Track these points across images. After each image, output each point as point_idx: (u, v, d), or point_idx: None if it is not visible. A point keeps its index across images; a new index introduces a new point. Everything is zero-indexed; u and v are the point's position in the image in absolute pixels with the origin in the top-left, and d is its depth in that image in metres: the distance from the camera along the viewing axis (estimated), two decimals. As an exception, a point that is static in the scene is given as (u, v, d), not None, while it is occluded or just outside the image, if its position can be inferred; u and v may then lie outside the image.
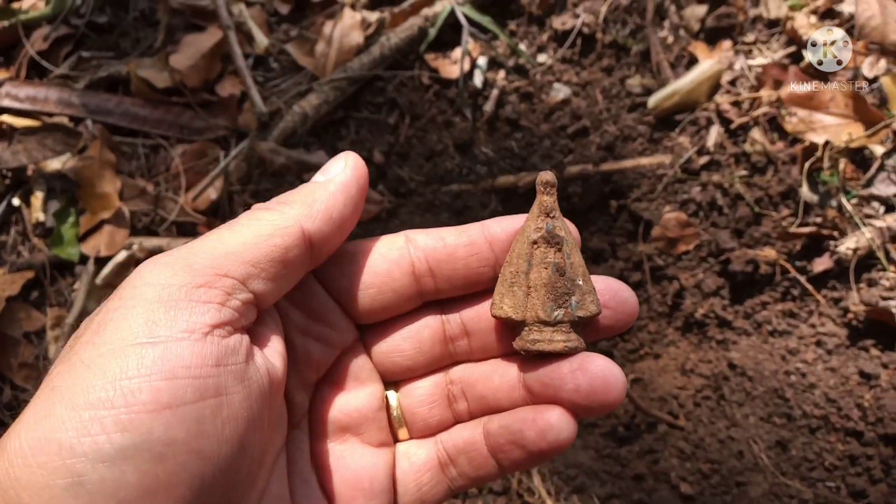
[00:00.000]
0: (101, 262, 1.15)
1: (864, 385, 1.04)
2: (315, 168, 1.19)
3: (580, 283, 0.44)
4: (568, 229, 0.45)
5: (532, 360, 0.44)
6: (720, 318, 1.13)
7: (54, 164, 1.24)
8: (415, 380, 0.48)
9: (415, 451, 0.47)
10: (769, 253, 1.11)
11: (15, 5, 1.37)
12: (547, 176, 0.45)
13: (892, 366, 1.04)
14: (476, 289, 0.47)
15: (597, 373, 0.42)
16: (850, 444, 1.01)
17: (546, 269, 0.44)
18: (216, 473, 0.36)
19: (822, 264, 1.10)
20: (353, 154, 0.45)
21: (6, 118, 1.28)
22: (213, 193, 1.19)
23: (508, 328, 0.46)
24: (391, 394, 0.48)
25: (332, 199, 0.43)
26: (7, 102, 1.29)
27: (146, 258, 1.20)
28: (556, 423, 0.42)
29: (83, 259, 1.17)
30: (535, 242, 0.44)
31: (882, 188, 1.10)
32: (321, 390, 0.47)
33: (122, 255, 1.12)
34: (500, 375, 0.46)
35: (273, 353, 0.41)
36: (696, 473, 1.06)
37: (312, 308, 0.45)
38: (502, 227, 0.46)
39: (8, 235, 1.23)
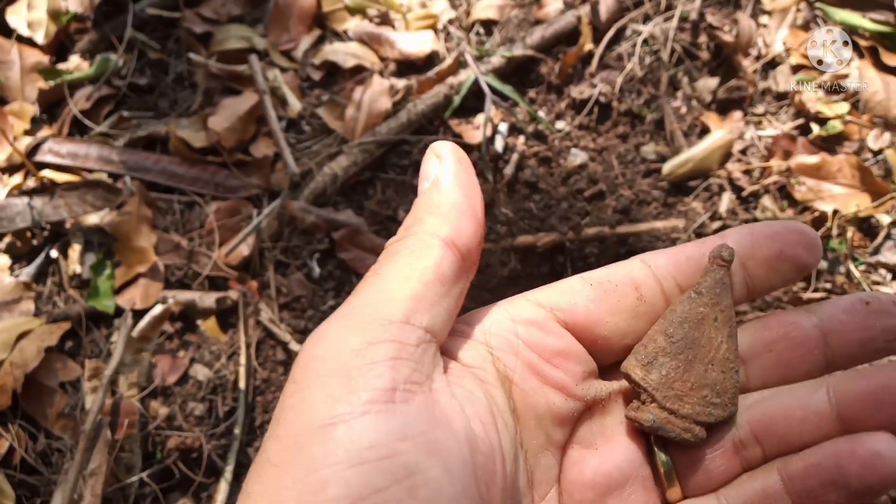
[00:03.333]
0: (137, 314, 1.19)
1: (875, 448, 1.07)
2: (344, 226, 1.25)
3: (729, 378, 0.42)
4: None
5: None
6: (734, 380, 1.16)
7: (92, 219, 1.30)
8: None
9: None
10: (781, 317, 1.15)
11: (61, 66, 1.44)
12: (724, 251, 0.41)
13: (902, 430, 1.07)
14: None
15: None
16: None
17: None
18: None
19: (832, 329, 1.14)
20: (442, 143, 0.41)
21: (48, 173, 1.34)
22: (245, 249, 1.24)
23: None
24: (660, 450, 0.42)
25: (452, 196, 0.39)
26: (50, 158, 1.36)
27: (180, 312, 1.23)
28: (884, 450, 0.36)
29: (119, 311, 1.21)
30: (701, 321, 0.42)
31: (889, 256, 1.15)
32: (571, 453, 0.41)
33: (157, 309, 1.16)
34: (802, 406, 0.39)
35: (473, 413, 0.36)
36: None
37: (550, 349, 0.40)
38: (741, 232, 0.42)
39: (44, 286, 1.28)
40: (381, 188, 1.33)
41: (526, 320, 0.40)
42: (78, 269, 1.27)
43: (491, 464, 0.35)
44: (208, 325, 1.21)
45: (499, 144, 1.33)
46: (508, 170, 1.32)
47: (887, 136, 1.24)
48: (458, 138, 1.34)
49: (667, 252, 0.42)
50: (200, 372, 1.17)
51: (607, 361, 0.43)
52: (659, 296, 0.42)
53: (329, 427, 0.31)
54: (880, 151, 1.23)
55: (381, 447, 0.31)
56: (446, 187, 0.39)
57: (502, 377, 0.39)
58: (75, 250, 1.28)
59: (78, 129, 1.41)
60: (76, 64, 1.46)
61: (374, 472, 0.31)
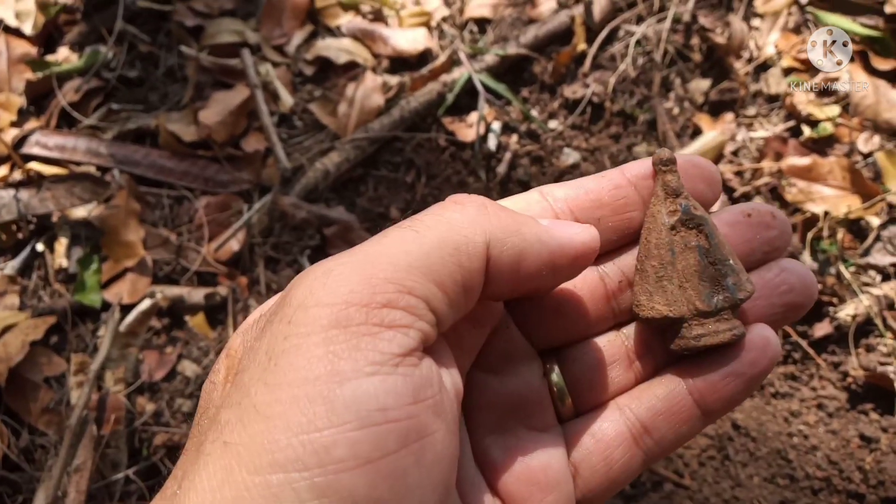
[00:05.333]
0: (124, 309, 1.18)
1: (864, 448, 1.08)
2: (335, 223, 1.24)
3: (731, 262, 0.40)
4: (700, 206, 0.42)
5: (690, 357, 0.41)
6: (724, 379, 1.17)
7: (79, 212, 1.28)
8: (576, 345, 0.43)
9: (598, 425, 0.41)
10: (772, 317, 1.15)
11: (49, 58, 1.42)
12: (665, 153, 0.41)
13: (891, 430, 1.08)
14: (626, 237, 0.42)
15: (798, 277, 0.41)
16: (853, 507, 1.04)
17: (693, 253, 0.41)
18: None
19: (822, 329, 1.14)
20: (595, 231, 0.39)
21: (35, 165, 1.32)
22: (235, 245, 1.23)
23: (657, 331, 0.43)
24: (551, 367, 0.42)
25: (538, 246, 0.36)
26: (37, 150, 1.34)
27: (169, 307, 1.20)
28: (772, 336, 0.40)
29: (105, 306, 1.20)
30: (673, 228, 0.41)
31: (878, 258, 1.15)
32: (474, 377, 0.41)
33: (145, 304, 1.15)
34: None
35: (452, 367, 0.35)
36: (702, 533, 1.08)
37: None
38: (643, 165, 0.42)
39: (30, 280, 1.26)
40: (373, 185, 1.32)
41: None
42: (64, 262, 1.25)
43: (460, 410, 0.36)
44: (196, 321, 1.20)
45: (492, 143, 1.33)
46: (501, 168, 1.32)
47: (877, 138, 1.25)
48: (451, 136, 1.33)
49: (566, 185, 0.42)
50: (188, 368, 1.15)
51: None
52: None
53: (334, 384, 0.29)
54: (870, 154, 1.23)
55: (393, 410, 0.29)
56: (544, 239, 0.37)
57: None
58: (62, 244, 1.27)
59: (66, 122, 1.39)
60: (65, 56, 1.44)
61: (386, 435, 0.29)
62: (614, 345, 0.43)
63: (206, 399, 0.34)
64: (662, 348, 0.42)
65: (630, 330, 0.43)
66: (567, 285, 0.42)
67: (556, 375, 0.42)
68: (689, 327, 0.40)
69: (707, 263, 0.40)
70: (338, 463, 0.28)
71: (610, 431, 0.40)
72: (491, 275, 0.35)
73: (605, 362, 0.42)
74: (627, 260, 0.43)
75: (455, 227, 0.34)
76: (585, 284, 0.42)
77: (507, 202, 0.40)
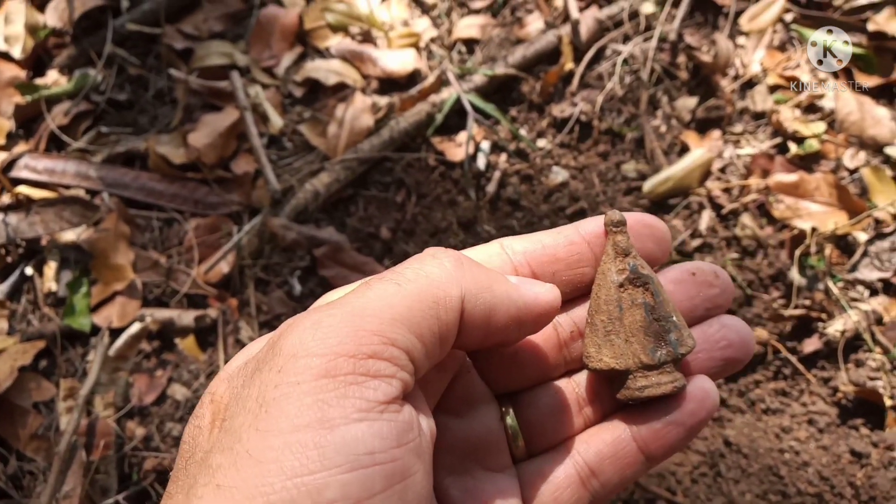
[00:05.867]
0: (113, 332, 1.17)
1: (855, 464, 1.08)
2: (325, 243, 1.24)
3: (674, 319, 0.43)
4: (647, 266, 0.45)
5: (635, 406, 0.44)
6: (716, 396, 1.17)
7: (69, 235, 1.28)
8: (531, 390, 0.45)
9: (550, 467, 0.43)
10: (761, 333, 1.16)
11: (38, 81, 1.42)
12: (615, 215, 0.44)
13: (882, 445, 1.08)
14: (579, 290, 0.45)
15: (736, 333, 0.43)
16: (845, 524, 1.04)
17: (639, 310, 0.43)
18: None
19: (811, 345, 1.15)
20: (558, 292, 0.41)
21: (24, 189, 1.32)
22: (224, 267, 1.23)
23: (605, 380, 0.45)
24: (507, 411, 0.45)
25: (507, 303, 0.38)
26: (25, 174, 1.34)
27: (158, 330, 1.20)
28: (710, 388, 0.42)
29: (95, 330, 1.19)
30: (621, 286, 0.43)
31: (866, 273, 1.16)
32: (436, 419, 0.41)
33: (135, 328, 1.15)
34: None
35: (427, 412, 0.37)
36: (695, 551, 1.07)
37: None
38: (596, 223, 0.44)
39: (19, 304, 1.25)
40: (364, 205, 1.32)
41: None
42: (53, 286, 1.25)
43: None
44: (187, 344, 1.19)
45: (481, 162, 1.34)
46: (491, 187, 1.32)
47: (863, 154, 1.26)
48: (440, 156, 1.34)
49: (525, 238, 0.44)
50: (178, 391, 1.15)
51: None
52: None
53: (324, 430, 0.31)
54: (856, 170, 1.25)
55: (380, 453, 0.31)
56: (514, 297, 0.39)
57: None
58: (51, 268, 1.26)
59: (55, 145, 1.39)
60: (54, 79, 1.44)
61: (373, 477, 0.31)
62: (566, 391, 0.45)
63: (192, 443, 0.35)
64: (610, 395, 0.45)
65: (581, 377, 0.46)
66: None
67: (510, 418, 0.44)
68: (634, 379, 0.43)
69: (652, 319, 0.43)
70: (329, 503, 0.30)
71: (560, 474, 0.43)
72: (463, 327, 0.38)
73: (558, 407, 0.44)
74: (579, 312, 0.46)
75: (434, 282, 0.36)
76: (540, 333, 0.44)
77: (471, 253, 0.43)
